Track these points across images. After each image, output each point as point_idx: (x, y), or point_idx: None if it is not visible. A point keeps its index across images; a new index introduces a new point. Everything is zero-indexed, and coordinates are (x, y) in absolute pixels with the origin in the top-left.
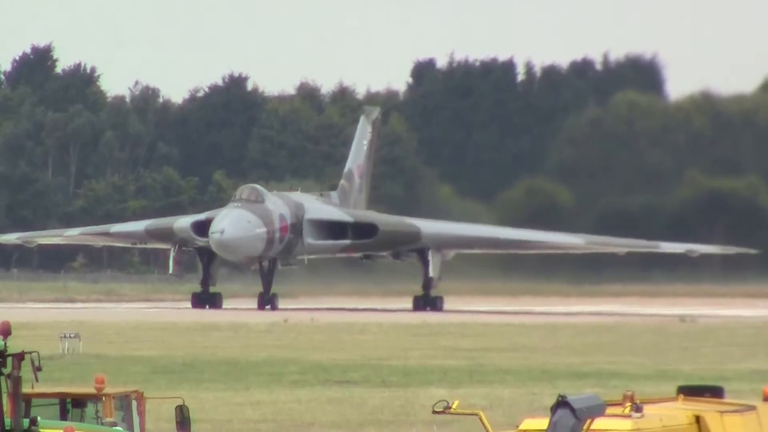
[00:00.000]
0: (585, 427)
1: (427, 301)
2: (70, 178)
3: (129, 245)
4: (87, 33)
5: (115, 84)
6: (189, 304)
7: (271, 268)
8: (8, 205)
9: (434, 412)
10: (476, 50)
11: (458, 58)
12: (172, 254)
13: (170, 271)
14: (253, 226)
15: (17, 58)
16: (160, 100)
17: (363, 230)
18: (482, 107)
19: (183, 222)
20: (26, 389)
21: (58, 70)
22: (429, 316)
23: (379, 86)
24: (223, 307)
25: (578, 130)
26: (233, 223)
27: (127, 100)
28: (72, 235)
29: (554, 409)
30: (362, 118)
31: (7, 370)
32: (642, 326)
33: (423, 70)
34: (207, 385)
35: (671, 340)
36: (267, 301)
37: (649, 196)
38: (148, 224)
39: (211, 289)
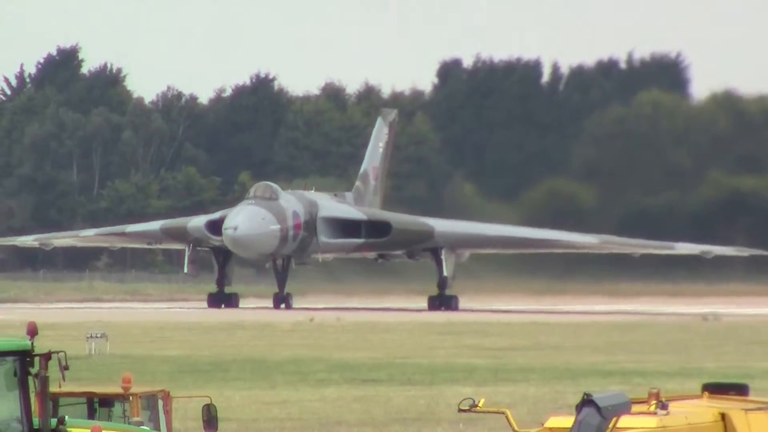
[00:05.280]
0: (610, 425)
1: (442, 301)
2: (94, 179)
3: (145, 245)
4: (113, 34)
5: (141, 85)
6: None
7: (285, 267)
8: (34, 205)
9: (460, 410)
10: (501, 50)
11: (484, 58)
12: (186, 254)
13: (185, 271)
14: (266, 223)
15: (42, 59)
16: (185, 101)
17: (377, 229)
18: (506, 107)
19: (197, 221)
20: (54, 389)
21: (84, 71)
22: (453, 316)
23: (404, 86)
24: (239, 306)
25: (602, 130)
26: (247, 220)
27: (153, 100)
28: (88, 235)
29: (579, 407)
30: (379, 120)
31: (34, 370)
32: (665, 325)
33: (449, 70)
34: (233, 384)
35: (694, 338)
36: (282, 300)
37: (671, 195)
38: (163, 224)
39: (227, 289)
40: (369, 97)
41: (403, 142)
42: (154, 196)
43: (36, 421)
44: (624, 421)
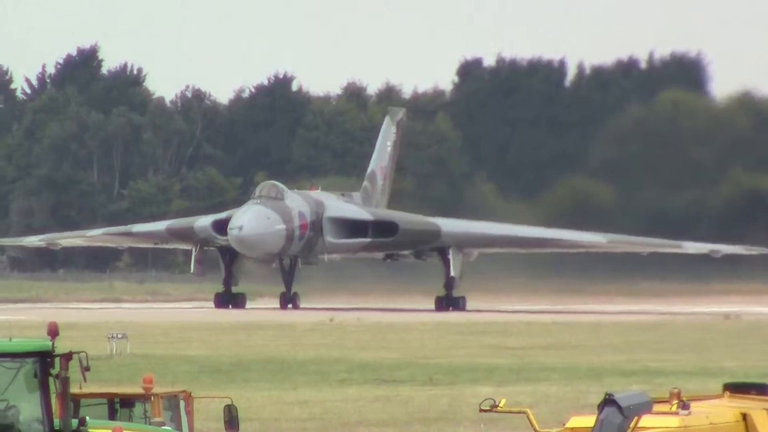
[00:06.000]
0: (632, 424)
1: (449, 301)
2: (115, 179)
3: (151, 245)
4: (132, 34)
5: (161, 84)
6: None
7: (292, 267)
8: (54, 205)
9: (481, 410)
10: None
11: (505, 57)
12: (193, 254)
13: (192, 271)
14: (272, 223)
15: (62, 60)
16: (208, 102)
17: (383, 229)
18: (527, 106)
19: (203, 221)
20: (75, 389)
21: (104, 71)
22: (474, 316)
23: (425, 86)
24: (246, 307)
25: (622, 129)
26: (252, 220)
27: (173, 100)
28: (94, 235)
29: (601, 406)
30: (386, 119)
31: (55, 371)
32: (686, 324)
33: (470, 69)
34: (254, 385)
35: (716, 337)
36: (289, 300)
37: (691, 194)
38: (169, 224)
39: (235, 289)
40: (390, 96)
41: (424, 142)
42: (174, 197)
43: (57, 422)
44: (645, 420)
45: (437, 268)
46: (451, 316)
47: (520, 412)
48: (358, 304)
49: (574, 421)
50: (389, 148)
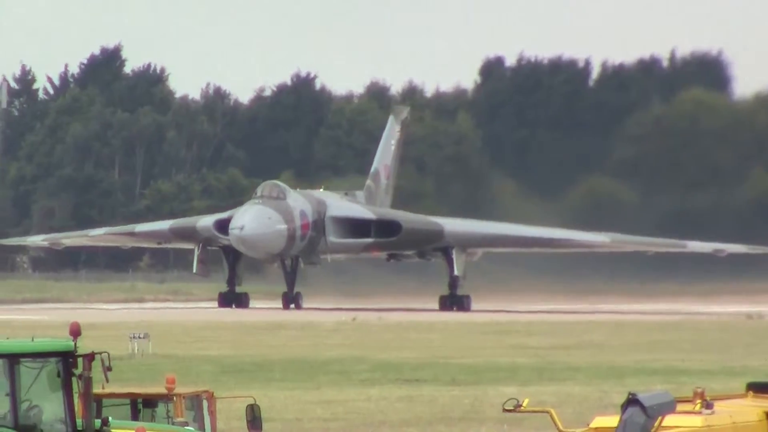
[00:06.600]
0: (656, 424)
1: (453, 301)
2: (137, 178)
3: (154, 245)
4: (155, 33)
5: (184, 84)
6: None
7: (294, 267)
8: (75, 205)
9: (505, 410)
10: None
11: (527, 56)
12: (196, 254)
13: (194, 271)
14: (273, 223)
15: (85, 59)
16: (231, 103)
17: (386, 228)
18: (548, 105)
19: (206, 221)
20: (97, 390)
21: (127, 70)
22: (497, 316)
23: (447, 85)
24: (250, 306)
25: (643, 128)
26: (253, 219)
27: (196, 99)
28: (97, 234)
29: (625, 406)
30: (391, 118)
31: (77, 371)
32: (708, 324)
33: (492, 69)
34: (277, 384)
35: (738, 337)
36: (291, 300)
37: (713, 194)
38: (172, 224)
39: (238, 289)
40: (412, 96)
41: (445, 141)
42: (196, 197)
43: (80, 422)
44: (669, 420)
45: (441, 268)
46: (474, 317)
47: (543, 412)
48: (361, 304)
49: (598, 421)
50: (393, 147)
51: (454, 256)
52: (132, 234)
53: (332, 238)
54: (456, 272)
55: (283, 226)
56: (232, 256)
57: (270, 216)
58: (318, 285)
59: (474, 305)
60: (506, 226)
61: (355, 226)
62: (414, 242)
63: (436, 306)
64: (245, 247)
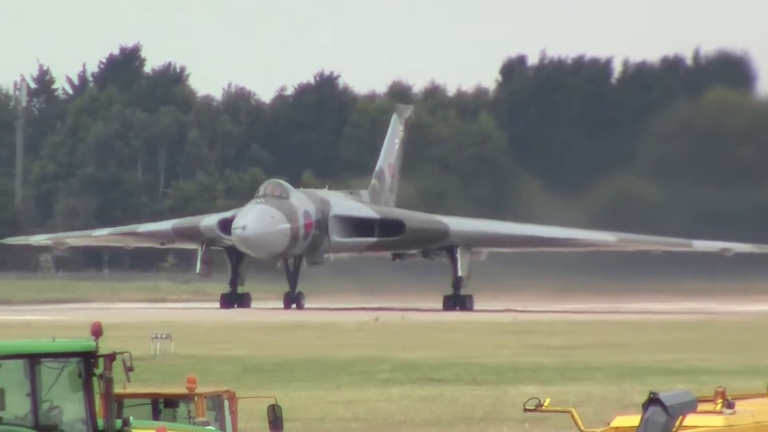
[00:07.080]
0: (677, 423)
1: (456, 300)
2: (159, 178)
3: (157, 245)
4: (175, 32)
5: (205, 83)
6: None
7: (296, 267)
8: (98, 205)
9: (526, 409)
10: (565, 47)
11: (549, 55)
12: (199, 254)
13: (197, 271)
14: (276, 222)
15: (105, 59)
16: (252, 102)
17: (390, 228)
18: (571, 104)
19: (209, 221)
20: (118, 390)
21: (147, 69)
22: (519, 315)
23: (469, 84)
24: (251, 306)
25: (667, 128)
26: (256, 219)
27: (218, 99)
28: (101, 235)
29: (646, 406)
30: (394, 117)
31: (99, 371)
32: (730, 323)
33: (514, 68)
34: (298, 384)
35: (760, 336)
36: (293, 300)
37: (738, 193)
38: (175, 223)
39: (240, 289)
40: (435, 95)
41: (468, 141)
42: (219, 196)
43: (101, 422)
44: (690, 419)
45: (445, 267)
46: (496, 316)
47: (564, 412)
48: (365, 303)
49: (619, 421)
50: (397, 146)
51: (458, 256)
52: (135, 234)
53: (335, 237)
54: (460, 272)
55: (286, 226)
56: (236, 256)
57: (273, 215)
58: (320, 284)
59: (475, 305)
60: (511, 225)
61: (358, 226)
62: (418, 241)
63: (440, 306)
64: (247, 247)
